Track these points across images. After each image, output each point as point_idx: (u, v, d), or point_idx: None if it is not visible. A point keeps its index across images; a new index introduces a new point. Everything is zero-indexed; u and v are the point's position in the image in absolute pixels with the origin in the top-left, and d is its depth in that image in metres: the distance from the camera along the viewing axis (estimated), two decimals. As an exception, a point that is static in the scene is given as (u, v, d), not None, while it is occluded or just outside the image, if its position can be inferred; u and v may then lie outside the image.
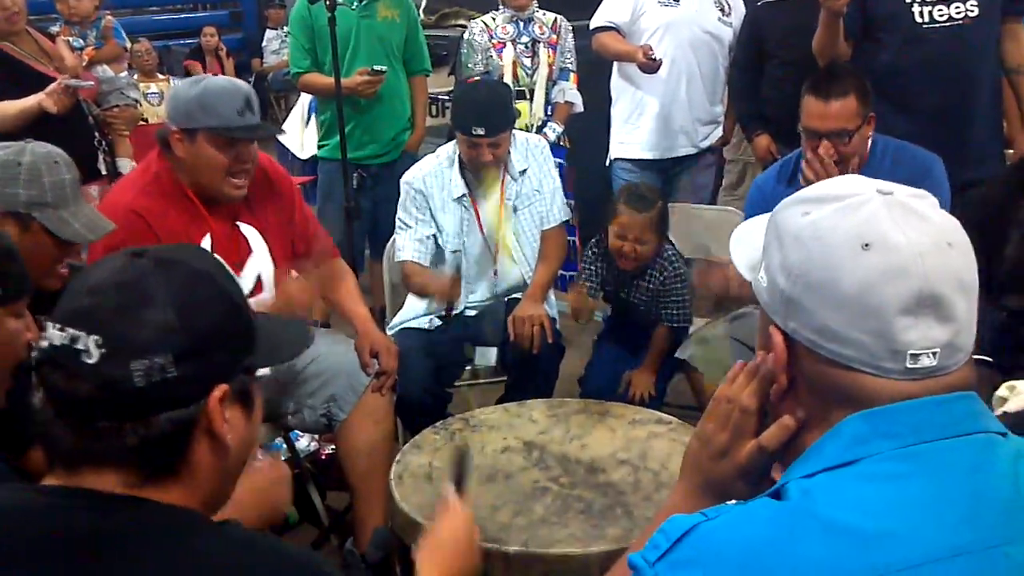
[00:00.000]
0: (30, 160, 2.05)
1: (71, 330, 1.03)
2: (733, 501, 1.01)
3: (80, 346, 1.02)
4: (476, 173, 3.12)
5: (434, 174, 3.15)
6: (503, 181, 3.16)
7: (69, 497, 1.04)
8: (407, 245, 3.15)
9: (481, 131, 2.97)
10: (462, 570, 1.53)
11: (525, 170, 3.19)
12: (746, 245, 1.15)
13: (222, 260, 1.20)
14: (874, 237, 0.96)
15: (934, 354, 0.96)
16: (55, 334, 1.04)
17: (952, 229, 0.99)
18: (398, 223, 3.20)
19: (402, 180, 3.20)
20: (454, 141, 3.17)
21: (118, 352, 1.01)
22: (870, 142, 2.78)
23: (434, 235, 3.15)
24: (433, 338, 3.11)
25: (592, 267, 3.23)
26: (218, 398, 1.07)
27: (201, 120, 2.45)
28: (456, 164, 3.13)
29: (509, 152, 3.16)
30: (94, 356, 1.01)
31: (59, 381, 1.03)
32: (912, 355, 0.96)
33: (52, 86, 3.11)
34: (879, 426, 0.96)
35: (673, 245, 3.17)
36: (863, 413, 0.97)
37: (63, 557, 1.00)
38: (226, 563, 1.04)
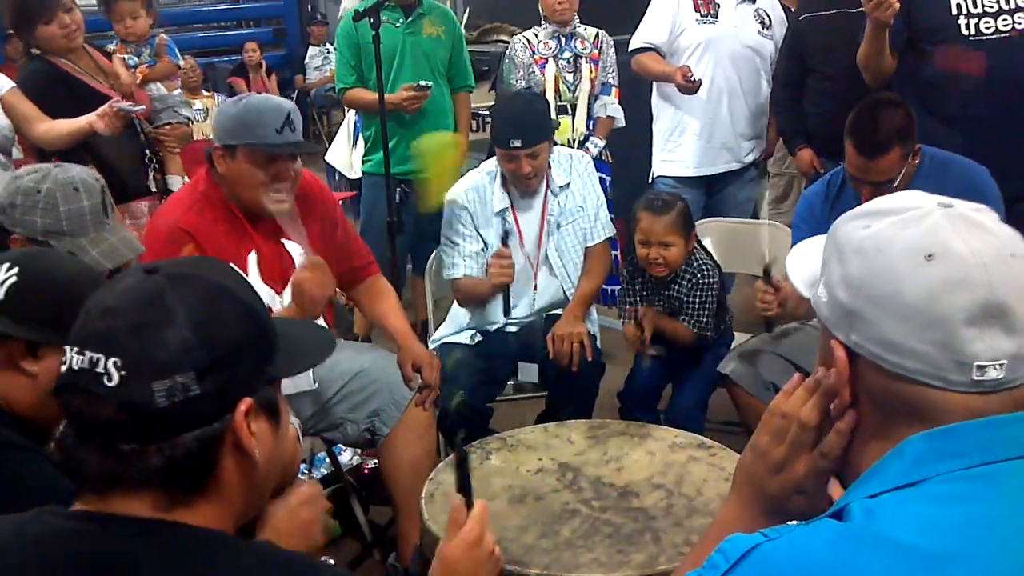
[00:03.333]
0: (48, 188, 2.06)
1: (90, 353, 1.01)
2: (793, 522, 0.99)
3: (100, 369, 1.00)
4: (518, 187, 3.13)
5: (476, 189, 3.16)
6: (544, 197, 3.17)
7: (99, 523, 1.02)
8: (458, 263, 3.15)
9: (518, 143, 2.98)
10: None
11: (567, 185, 3.18)
12: (803, 263, 1.14)
13: (237, 268, 1.19)
14: (937, 248, 0.95)
15: (1001, 366, 0.94)
16: (74, 357, 1.02)
17: (1015, 240, 0.99)
18: (444, 241, 3.20)
19: (446, 198, 3.22)
20: (496, 156, 3.19)
21: (138, 373, 1.00)
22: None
23: (482, 250, 3.15)
24: (475, 353, 3.11)
25: (629, 287, 3.21)
26: (243, 412, 1.05)
27: (241, 137, 2.48)
28: (498, 179, 3.14)
29: (550, 167, 3.16)
30: (114, 379, 0.99)
31: (80, 405, 1.01)
32: (979, 367, 0.94)
33: (103, 108, 3.15)
34: (944, 446, 0.95)
35: (707, 252, 3.15)
36: (926, 433, 0.96)
37: None
38: None
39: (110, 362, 1.00)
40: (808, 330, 2.92)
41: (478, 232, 3.15)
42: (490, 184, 3.15)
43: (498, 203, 3.13)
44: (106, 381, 1.00)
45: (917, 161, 2.73)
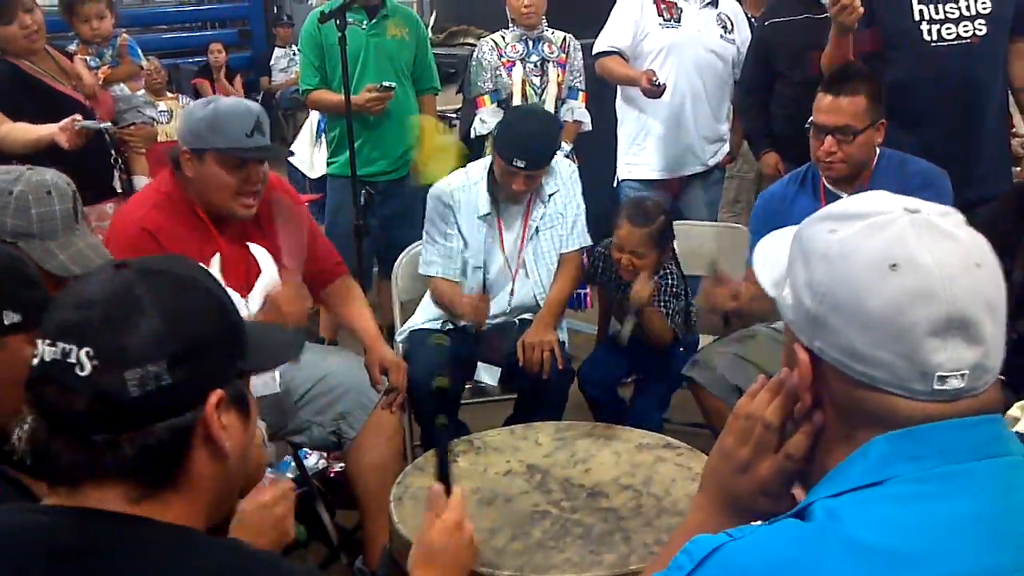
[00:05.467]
0: (20, 190, 2.02)
1: (62, 344, 1.02)
2: (757, 522, 1.00)
3: (72, 359, 1.01)
4: (506, 194, 3.13)
5: (462, 188, 3.16)
6: (530, 203, 3.17)
7: (71, 517, 1.03)
8: (435, 260, 3.17)
9: (522, 164, 2.98)
10: (458, 567, 1.51)
11: (554, 194, 3.20)
12: (770, 261, 1.13)
13: (205, 266, 1.21)
14: (901, 258, 0.95)
15: (963, 376, 0.95)
16: (46, 350, 1.03)
17: (980, 248, 0.98)
18: (425, 236, 3.21)
19: (430, 193, 3.21)
20: (485, 159, 3.19)
21: (111, 363, 1.01)
22: (877, 154, 2.80)
23: (462, 250, 3.15)
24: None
25: (602, 263, 3.25)
26: (214, 403, 1.06)
27: (210, 141, 2.46)
28: (484, 181, 3.14)
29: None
30: (87, 369, 1.00)
31: (53, 397, 1.02)
32: (940, 377, 0.95)
33: (65, 122, 3.10)
34: (905, 448, 0.96)
35: (676, 264, 3.16)
36: (889, 435, 0.97)
37: None
38: None
39: (82, 352, 1.01)
40: (772, 334, 2.94)
41: (460, 232, 3.15)
42: (476, 185, 3.15)
43: (483, 207, 3.14)
44: (78, 371, 1.01)
45: (881, 140, 2.76)
